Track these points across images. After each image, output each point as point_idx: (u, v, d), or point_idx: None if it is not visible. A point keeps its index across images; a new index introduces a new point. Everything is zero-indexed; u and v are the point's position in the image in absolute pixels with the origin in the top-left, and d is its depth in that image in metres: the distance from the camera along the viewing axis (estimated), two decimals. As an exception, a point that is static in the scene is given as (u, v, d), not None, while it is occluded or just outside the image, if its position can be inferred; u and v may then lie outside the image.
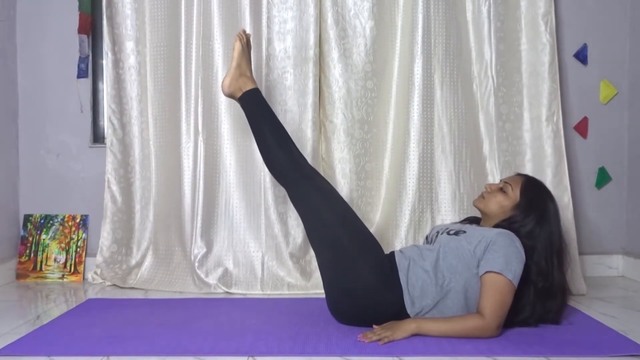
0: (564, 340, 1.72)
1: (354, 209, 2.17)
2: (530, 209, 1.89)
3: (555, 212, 1.93)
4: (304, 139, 2.47)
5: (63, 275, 2.71)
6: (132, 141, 2.63)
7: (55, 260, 2.73)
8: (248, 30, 2.46)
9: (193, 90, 2.52)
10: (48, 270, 2.72)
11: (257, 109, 2.10)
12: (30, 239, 2.76)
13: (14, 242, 2.74)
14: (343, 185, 2.54)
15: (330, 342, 1.70)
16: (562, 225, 1.99)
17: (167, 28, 2.56)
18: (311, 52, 2.47)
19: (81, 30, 2.71)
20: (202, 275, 2.46)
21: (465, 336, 1.70)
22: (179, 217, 2.56)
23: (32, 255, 2.74)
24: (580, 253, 2.56)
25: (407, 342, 1.68)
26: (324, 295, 1.96)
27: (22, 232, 2.77)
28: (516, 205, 1.92)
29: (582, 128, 2.72)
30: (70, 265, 2.73)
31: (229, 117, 2.52)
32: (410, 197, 2.49)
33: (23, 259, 2.73)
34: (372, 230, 2.39)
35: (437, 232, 1.98)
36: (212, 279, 2.45)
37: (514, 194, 1.94)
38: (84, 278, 2.71)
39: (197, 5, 2.50)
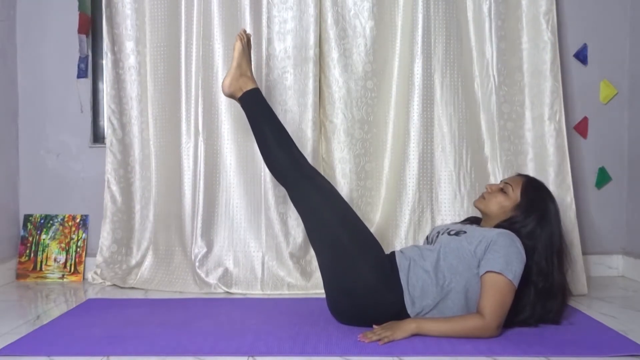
0: (564, 340, 1.72)
1: (354, 208, 2.17)
2: (531, 210, 1.89)
3: (556, 212, 1.93)
4: (304, 139, 2.47)
5: (63, 275, 2.71)
6: (132, 141, 2.63)
7: (55, 260, 2.73)
8: (248, 30, 2.46)
9: (193, 90, 2.52)
10: (48, 270, 2.72)
11: (257, 109, 2.10)
12: (30, 239, 2.76)
13: (14, 242, 2.74)
14: (343, 185, 2.54)
15: (330, 342, 1.70)
16: (563, 225, 1.99)
17: (167, 28, 2.56)
18: (311, 52, 2.47)
19: (81, 30, 2.71)
20: (203, 275, 2.46)
21: (465, 336, 1.70)
22: (179, 217, 2.56)
23: (32, 255, 2.74)
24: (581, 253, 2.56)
25: (407, 342, 1.68)
26: (324, 295, 1.96)
27: (22, 232, 2.77)
28: (517, 205, 1.92)
29: (582, 128, 2.72)
30: (70, 265, 2.73)
31: (230, 117, 2.52)
32: (410, 197, 2.49)
33: (23, 259, 2.73)
34: (372, 230, 2.38)
35: (438, 233, 1.98)
36: (212, 279, 2.45)
37: (515, 194, 1.94)
38: (84, 278, 2.71)
39: (197, 5, 2.50)
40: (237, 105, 2.22)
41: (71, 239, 2.76)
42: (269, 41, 2.50)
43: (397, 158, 2.53)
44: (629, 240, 2.73)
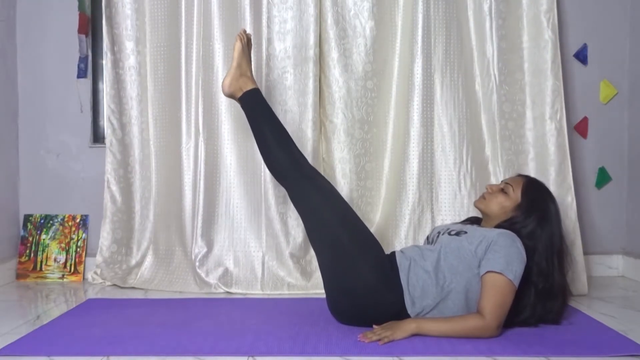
0: (564, 340, 1.72)
1: (354, 208, 2.17)
2: (532, 210, 1.89)
3: (556, 213, 1.93)
4: (304, 138, 2.47)
5: (63, 275, 2.71)
6: (132, 141, 2.63)
7: (55, 260, 2.73)
8: (248, 30, 2.46)
9: (193, 90, 2.52)
10: (48, 270, 2.72)
11: (257, 109, 2.10)
12: (30, 239, 2.76)
13: (14, 242, 2.74)
14: (343, 185, 2.54)
15: (330, 342, 1.70)
16: (563, 225, 1.99)
17: (167, 28, 2.56)
18: (311, 52, 2.47)
19: (80, 30, 2.71)
20: (203, 275, 2.46)
21: (465, 336, 1.70)
22: (179, 217, 2.56)
23: (32, 255, 2.74)
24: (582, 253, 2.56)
25: (407, 342, 1.68)
26: (324, 295, 1.96)
27: (22, 232, 2.77)
28: (517, 206, 1.92)
29: (582, 128, 2.72)
30: (70, 265, 2.73)
31: (230, 118, 2.52)
32: (410, 197, 2.49)
33: (23, 259, 2.73)
34: (372, 230, 2.38)
35: (438, 233, 1.98)
36: (212, 279, 2.45)
37: (515, 194, 1.94)
38: (84, 278, 2.71)
39: (198, 5, 2.50)
40: (238, 105, 2.22)
41: (71, 239, 2.76)
42: (269, 41, 2.50)
43: (397, 158, 2.53)
44: (629, 240, 2.73)
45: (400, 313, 1.80)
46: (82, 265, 2.73)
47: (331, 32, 2.50)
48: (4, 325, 1.91)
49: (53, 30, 2.76)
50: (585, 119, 2.72)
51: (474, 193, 2.44)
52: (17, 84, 2.77)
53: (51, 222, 2.77)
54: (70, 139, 2.78)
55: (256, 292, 2.44)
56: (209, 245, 2.51)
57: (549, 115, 2.44)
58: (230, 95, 2.14)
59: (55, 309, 2.16)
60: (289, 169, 2.01)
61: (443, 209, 2.48)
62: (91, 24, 2.77)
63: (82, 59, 2.74)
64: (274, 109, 2.20)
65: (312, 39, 2.47)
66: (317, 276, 2.42)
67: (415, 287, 1.81)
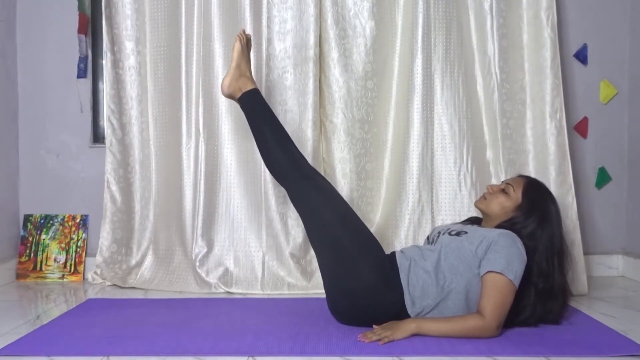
0: (564, 340, 1.72)
1: (355, 208, 2.17)
2: (532, 211, 1.89)
3: (557, 213, 1.93)
4: (304, 138, 2.47)
5: (63, 275, 2.71)
6: (132, 141, 2.63)
7: (55, 260, 2.73)
8: (248, 30, 2.46)
9: (194, 90, 2.52)
10: (48, 270, 2.72)
11: (256, 110, 2.10)
12: (30, 239, 2.76)
13: (14, 242, 2.74)
14: (343, 185, 2.54)
15: (330, 342, 1.70)
16: (564, 225, 1.99)
17: (168, 28, 2.56)
18: (311, 52, 2.47)
19: (80, 30, 2.71)
20: (203, 275, 2.46)
21: (465, 336, 1.70)
22: (179, 217, 2.56)
23: (32, 255, 2.74)
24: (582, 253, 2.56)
25: (407, 342, 1.68)
26: (324, 295, 1.96)
27: (22, 232, 2.77)
28: (518, 206, 1.92)
29: (582, 128, 2.72)
30: (70, 265, 2.73)
31: (230, 118, 2.52)
32: (411, 197, 2.49)
33: (23, 259, 2.73)
34: (372, 230, 2.38)
35: (439, 233, 1.98)
36: (212, 279, 2.46)
37: (516, 195, 1.94)
38: (84, 278, 2.71)
39: (198, 5, 2.50)
40: (238, 105, 2.22)
41: (71, 239, 2.76)
42: (269, 41, 2.50)
43: (398, 158, 2.52)
44: (629, 240, 2.73)
45: (400, 313, 1.80)
46: (82, 265, 2.73)
47: (331, 32, 2.50)
48: (4, 325, 1.91)
49: (53, 30, 2.76)
50: (585, 119, 2.72)
51: (474, 193, 2.44)
52: (17, 84, 2.77)
53: (51, 222, 2.77)
54: (70, 139, 2.78)
55: (256, 292, 2.44)
56: (209, 245, 2.51)
57: (549, 114, 2.43)
58: (230, 96, 2.14)
59: (55, 309, 2.16)
60: (288, 169, 2.01)
61: (443, 209, 2.48)
62: (91, 24, 2.76)
63: (82, 59, 2.74)
64: (274, 109, 2.19)
65: (312, 39, 2.47)
66: (318, 276, 2.42)
67: (416, 287, 1.81)
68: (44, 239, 2.75)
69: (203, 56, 2.50)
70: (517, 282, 1.73)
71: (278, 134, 2.05)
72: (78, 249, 2.74)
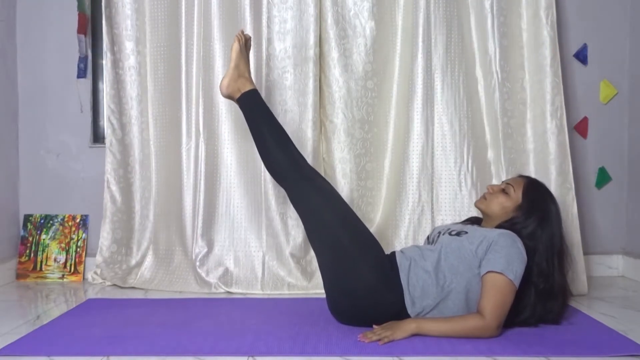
0: (564, 340, 1.72)
1: (355, 209, 2.17)
2: (532, 211, 1.89)
3: (557, 213, 1.93)
4: (304, 138, 2.47)
5: (63, 275, 2.71)
6: (132, 141, 2.63)
7: (55, 260, 2.73)
8: (248, 30, 2.46)
9: (194, 90, 2.53)
10: (48, 270, 2.72)
11: (255, 110, 2.09)
12: (30, 239, 2.76)
13: (14, 242, 2.74)
14: (344, 185, 2.54)
15: (330, 342, 1.70)
16: (563, 226, 1.98)
17: (167, 28, 2.56)
18: (311, 52, 2.47)
19: (80, 30, 2.71)
20: (203, 275, 2.46)
21: (465, 336, 1.70)
22: (179, 217, 2.56)
23: (32, 255, 2.74)
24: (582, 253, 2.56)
25: (407, 342, 1.68)
26: (324, 295, 1.96)
27: (22, 232, 2.77)
28: (518, 206, 1.92)
29: (582, 128, 2.72)
30: (70, 265, 2.73)
31: (230, 118, 2.52)
32: (411, 197, 2.48)
33: (23, 259, 2.73)
34: (372, 230, 2.39)
35: (439, 233, 1.98)
36: (212, 278, 2.46)
37: (516, 195, 1.94)
38: (84, 278, 2.71)
39: (198, 5, 2.50)
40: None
41: (71, 239, 2.76)
42: (269, 41, 2.50)
43: (398, 158, 2.52)
44: (629, 240, 2.73)
45: (400, 313, 1.80)
46: (82, 265, 2.73)
47: (331, 32, 2.50)
48: (4, 325, 1.91)
49: (53, 30, 2.76)
50: (585, 119, 2.72)
51: (474, 193, 2.44)
52: (17, 84, 2.77)
53: (51, 222, 2.77)
54: (70, 139, 2.78)
55: (256, 292, 2.44)
56: (209, 245, 2.51)
57: (549, 112, 2.42)
58: (229, 97, 2.14)
59: (55, 309, 2.16)
60: (288, 170, 2.01)
61: (443, 209, 2.48)
62: (91, 24, 2.76)
63: (82, 59, 2.74)
64: (274, 109, 2.19)
65: (312, 39, 2.47)
66: (318, 276, 2.42)
67: (416, 287, 1.81)
68: (44, 239, 2.75)
69: (203, 56, 2.50)
70: (517, 282, 1.73)
71: (277, 135, 2.05)
72: (78, 249, 2.74)
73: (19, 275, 2.71)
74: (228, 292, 2.44)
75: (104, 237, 2.65)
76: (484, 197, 2.02)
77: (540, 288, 1.82)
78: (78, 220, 2.78)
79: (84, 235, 2.76)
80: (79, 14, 2.70)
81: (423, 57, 2.47)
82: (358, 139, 2.53)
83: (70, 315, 2.04)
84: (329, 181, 2.27)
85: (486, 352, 1.61)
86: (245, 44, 2.19)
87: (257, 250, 2.51)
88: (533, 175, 2.28)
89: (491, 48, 2.47)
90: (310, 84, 2.48)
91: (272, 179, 2.42)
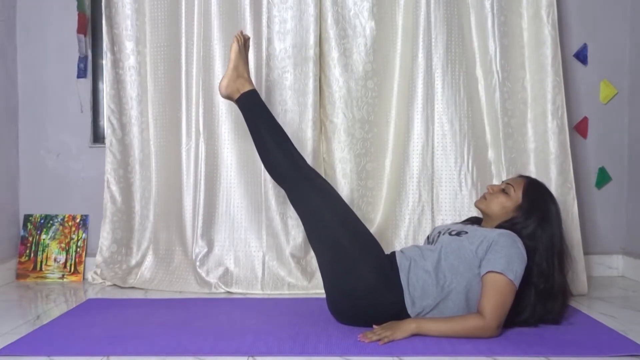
0: (564, 340, 1.72)
1: (355, 209, 2.17)
2: (532, 211, 1.89)
3: (557, 213, 1.93)
4: (305, 138, 2.47)
5: (63, 275, 2.71)
6: (132, 141, 2.63)
7: (55, 260, 2.73)
8: (248, 30, 2.46)
9: (194, 90, 2.53)
10: (48, 270, 2.72)
11: (255, 111, 2.09)
12: (30, 239, 2.76)
13: (14, 242, 2.74)
14: (344, 185, 2.54)
15: (330, 342, 1.70)
16: (564, 226, 1.98)
17: (167, 28, 2.56)
18: (311, 52, 2.47)
19: (79, 30, 2.71)
20: (203, 275, 2.46)
21: (465, 336, 1.70)
22: (179, 217, 2.56)
23: (32, 255, 2.74)
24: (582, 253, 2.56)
25: (407, 342, 1.68)
26: (324, 296, 1.96)
27: (22, 232, 2.77)
28: (518, 206, 1.92)
29: (582, 128, 2.72)
30: (70, 265, 2.73)
31: (230, 118, 2.52)
32: (411, 196, 2.48)
33: (23, 259, 2.73)
34: (373, 230, 2.39)
35: (439, 233, 1.98)
36: (212, 278, 2.46)
37: (516, 195, 1.94)
38: (84, 278, 2.71)
39: (198, 5, 2.50)
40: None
41: (71, 239, 2.76)
42: (269, 41, 2.50)
43: (398, 157, 2.52)
44: (629, 240, 2.73)
45: (400, 313, 1.80)
46: (82, 265, 2.73)
47: (331, 32, 2.50)
48: (4, 325, 1.91)
49: (53, 30, 2.76)
50: (585, 119, 2.72)
51: (474, 193, 2.44)
52: (17, 84, 2.77)
53: (51, 222, 2.77)
54: (70, 139, 2.78)
55: (256, 292, 2.44)
56: (210, 245, 2.51)
57: (550, 112, 2.42)
58: (228, 97, 2.14)
59: (55, 309, 2.16)
60: (288, 170, 2.00)
61: (443, 209, 2.48)
62: (91, 24, 2.77)
63: (82, 59, 2.74)
64: (273, 109, 2.19)
65: (312, 39, 2.47)
66: (318, 276, 2.42)
67: (416, 287, 1.81)
68: (44, 239, 2.75)
69: (203, 56, 2.50)
70: (517, 282, 1.73)
71: (277, 135, 2.04)
72: (78, 249, 2.74)
73: (19, 275, 2.71)
74: (228, 292, 2.44)
75: (104, 237, 2.65)
76: (484, 197, 2.02)
77: (540, 288, 1.82)
78: (78, 220, 2.78)
79: (84, 235, 2.76)
80: (78, 14, 2.70)
81: (423, 56, 2.47)
82: (358, 138, 2.53)
83: (70, 315, 2.04)
84: (329, 181, 2.27)
85: (486, 352, 1.61)
86: (244, 44, 2.19)
87: (257, 250, 2.51)
88: (534, 175, 2.28)
89: (492, 47, 2.47)
90: (310, 84, 2.48)
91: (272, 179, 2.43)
